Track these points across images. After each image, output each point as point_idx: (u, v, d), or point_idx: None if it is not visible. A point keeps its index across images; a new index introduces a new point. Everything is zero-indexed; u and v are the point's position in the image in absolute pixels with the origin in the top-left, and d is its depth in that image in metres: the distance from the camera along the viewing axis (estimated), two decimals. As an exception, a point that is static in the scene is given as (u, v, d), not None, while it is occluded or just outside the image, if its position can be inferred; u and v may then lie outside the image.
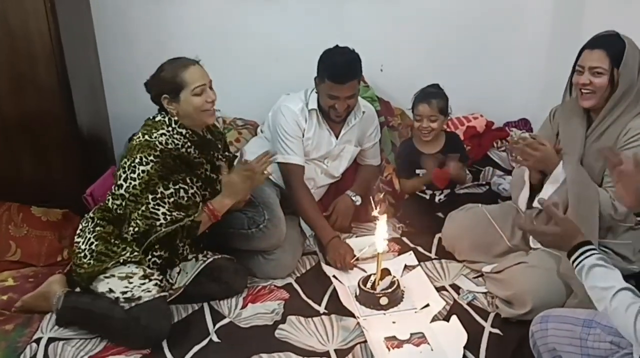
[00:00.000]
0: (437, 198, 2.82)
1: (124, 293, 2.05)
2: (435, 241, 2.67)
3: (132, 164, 2.08)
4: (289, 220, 2.57)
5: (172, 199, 2.12)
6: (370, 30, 3.28)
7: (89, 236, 2.17)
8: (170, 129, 2.16)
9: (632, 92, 2.08)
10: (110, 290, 2.07)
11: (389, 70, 3.37)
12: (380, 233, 2.26)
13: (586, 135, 2.19)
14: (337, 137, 2.68)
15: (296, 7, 3.19)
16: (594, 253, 1.55)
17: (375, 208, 2.30)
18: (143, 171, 2.07)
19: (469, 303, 2.27)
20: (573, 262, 1.57)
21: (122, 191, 2.12)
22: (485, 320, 2.17)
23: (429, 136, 2.70)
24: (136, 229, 2.10)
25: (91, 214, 2.25)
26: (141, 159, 2.07)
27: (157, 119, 2.19)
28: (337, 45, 2.53)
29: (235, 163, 2.31)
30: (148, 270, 2.12)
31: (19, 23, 2.48)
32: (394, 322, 2.19)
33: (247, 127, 3.22)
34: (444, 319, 2.18)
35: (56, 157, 2.70)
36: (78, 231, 2.25)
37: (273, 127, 2.66)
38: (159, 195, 2.09)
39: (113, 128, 3.21)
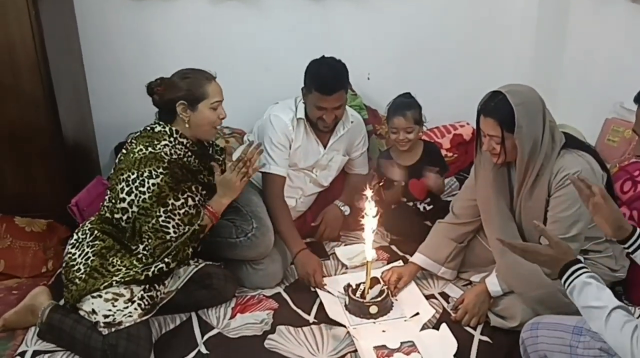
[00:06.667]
0: (421, 208, 2.81)
1: (106, 316, 2.02)
2: (424, 249, 2.66)
3: (140, 178, 2.05)
4: (277, 230, 2.56)
5: (182, 210, 2.11)
6: (357, 38, 3.29)
7: (86, 250, 2.13)
8: (172, 139, 2.16)
9: (540, 145, 2.01)
10: (93, 311, 2.03)
11: (376, 78, 3.38)
12: (368, 241, 2.25)
13: (512, 204, 2.16)
14: (325, 147, 2.67)
15: (284, 17, 3.19)
16: (585, 272, 1.52)
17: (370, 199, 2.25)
18: (153, 184, 2.04)
19: (458, 311, 2.26)
20: (564, 282, 1.54)
21: (124, 205, 2.08)
22: (475, 329, 2.17)
23: (406, 146, 2.70)
24: (149, 242, 2.08)
25: (89, 225, 2.20)
26: (150, 172, 2.05)
27: (156, 130, 2.17)
28: (323, 56, 2.51)
29: (240, 151, 2.27)
30: (135, 290, 2.07)
31: (2, 32, 2.44)
32: (384, 331, 2.18)
33: (234, 135, 3.21)
34: (433, 327, 2.18)
35: (41, 168, 2.67)
36: (73, 241, 2.19)
37: (260, 136, 2.63)
38: (169, 207, 2.07)
39: (98, 137, 3.18)
